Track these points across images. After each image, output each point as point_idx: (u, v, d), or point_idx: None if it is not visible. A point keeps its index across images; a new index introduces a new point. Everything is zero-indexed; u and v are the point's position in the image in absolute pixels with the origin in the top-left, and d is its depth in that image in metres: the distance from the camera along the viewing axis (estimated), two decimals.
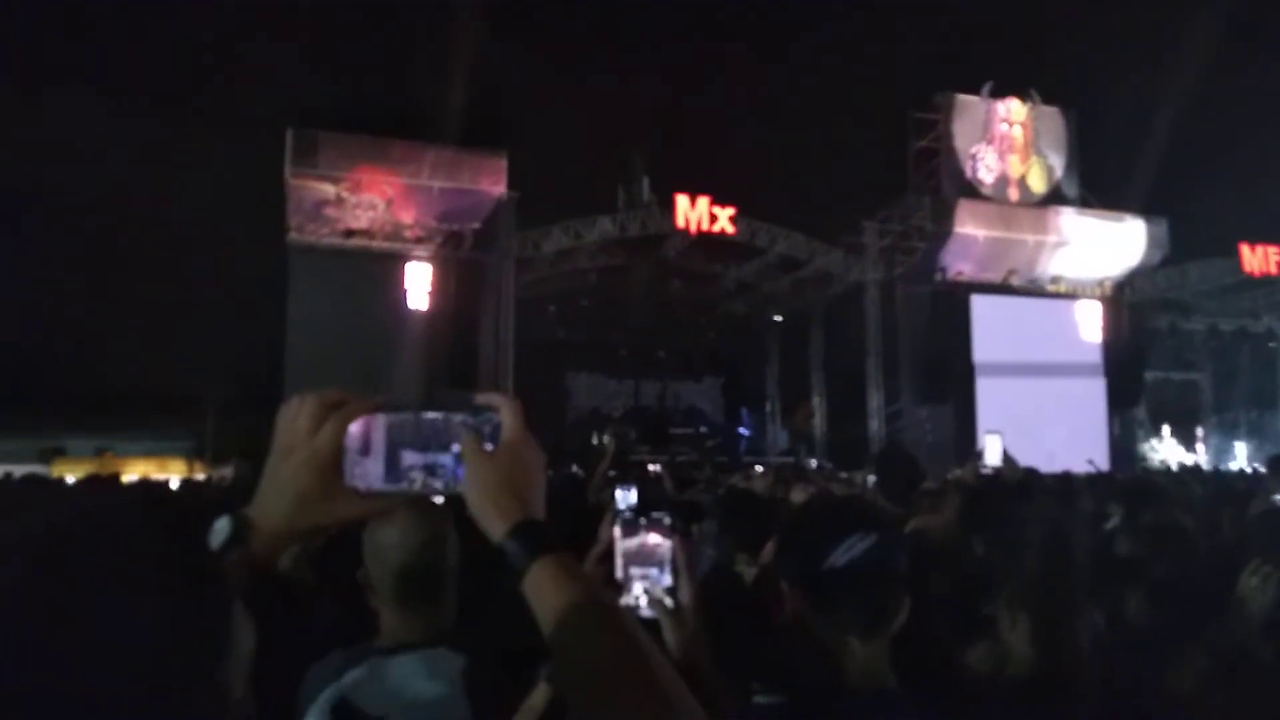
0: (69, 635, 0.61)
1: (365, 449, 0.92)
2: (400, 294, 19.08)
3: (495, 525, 0.89)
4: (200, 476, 16.67)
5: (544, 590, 0.85)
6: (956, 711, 1.45)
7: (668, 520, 1.28)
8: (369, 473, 0.92)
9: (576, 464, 18.98)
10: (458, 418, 0.94)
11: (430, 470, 0.94)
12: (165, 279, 21.43)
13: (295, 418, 0.91)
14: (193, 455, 20.12)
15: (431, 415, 0.93)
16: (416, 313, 19.07)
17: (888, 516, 2.09)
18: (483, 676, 1.58)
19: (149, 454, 19.79)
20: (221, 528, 0.87)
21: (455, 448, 0.93)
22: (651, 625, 1.23)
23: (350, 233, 19.06)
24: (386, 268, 19.13)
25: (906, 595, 1.46)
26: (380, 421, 0.93)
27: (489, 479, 0.91)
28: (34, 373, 19.78)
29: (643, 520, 1.27)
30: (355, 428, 0.91)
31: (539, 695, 1.46)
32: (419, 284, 19.20)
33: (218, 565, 0.78)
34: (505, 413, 0.94)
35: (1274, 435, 27.00)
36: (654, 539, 1.26)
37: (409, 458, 0.94)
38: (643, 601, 1.25)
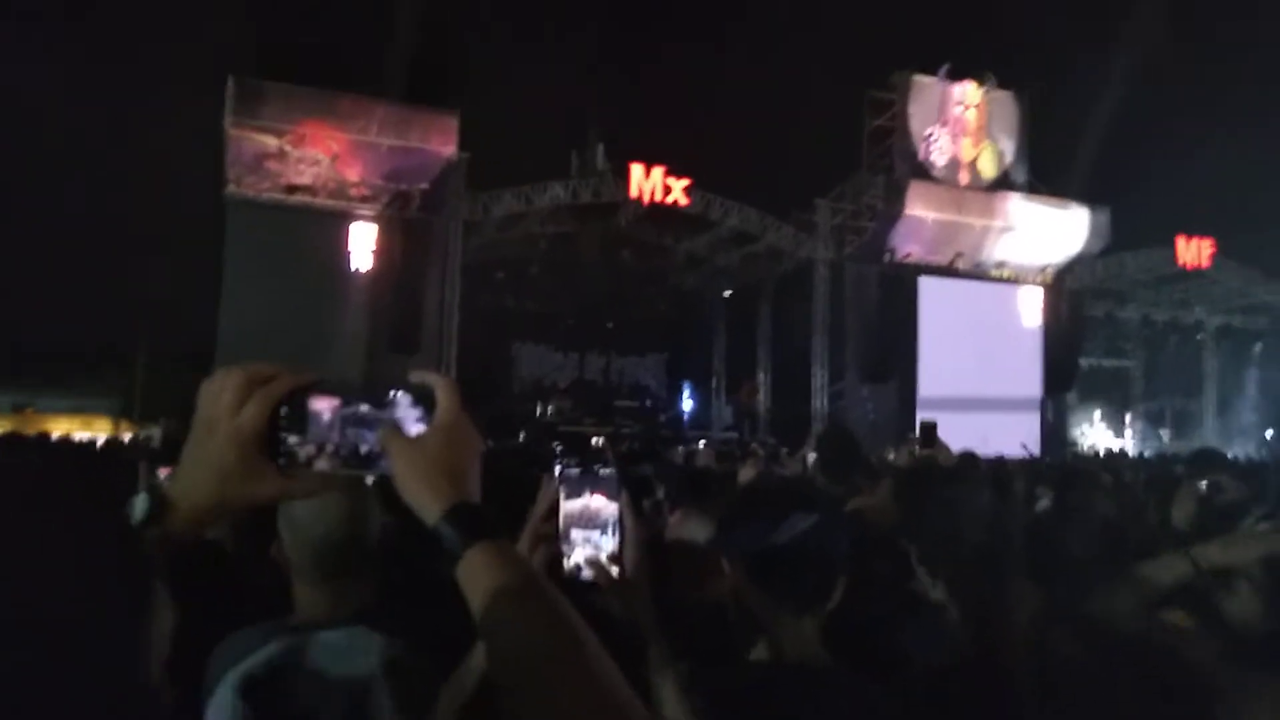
0: None
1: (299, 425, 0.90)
2: (343, 254, 18.63)
3: (429, 508, 0.87)
4: (127, 436, 16.17)
5: (478, 575, 0.84)
6: (886, 687, 1.48)
7: (614, 480, 1.22)
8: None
9: (522, 434, 18.93)
10: (394, 398, 0.93)
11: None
12: (93, 230, 20.64)
13: (220, 392, 0.89)
14: (119, 414, 19.49)
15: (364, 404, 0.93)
16: (359, 274, 18.67)
17: (829, 498, 2.11)
18: (404, 657, 1.52)
19: (73, 411, 19.13)
20: (140, 504, 0.86)
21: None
22: (593, 588, 1.21)
23: (292, 188, 18.52)
24: (329, 226, 18.64)
25: (842, 575, 1.51)
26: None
27: (421, 461, 0.89)
28: None
29: (587, 481, 1.22)
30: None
31: (469, 675, 1.42)
32: (363, 244, 18.76)
33: (137, 536, 0.74)
34: (441, 392, 0.93)
35: (1196, 423, 28.06)
36: (598, 501, 1.22)
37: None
38: (584, 564, 1.20)
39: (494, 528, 0.87)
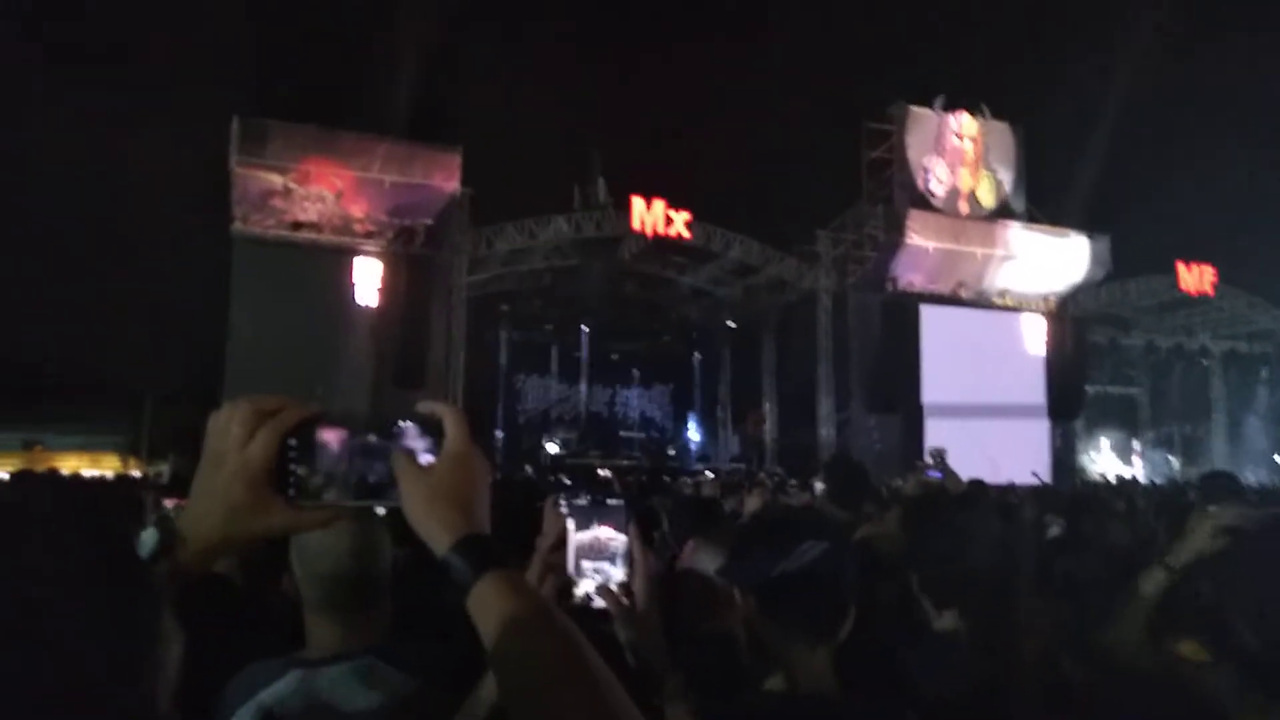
0: None
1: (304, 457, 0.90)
2: (348, 289, 18.71)
3: (438, 539, 0.87)
4: (136, 473, 16.15)
5: (489, 606, 0.83)
6: (897, 716, 1.46)
7: (622, 511, 1.22)
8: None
9: (528, 467, 18.88)
10: (401, 429, 0.92)
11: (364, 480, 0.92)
12: (101, 266, 20.75)
13: (227, 426, 0.89)
14: (128, 450, 19.47)
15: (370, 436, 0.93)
16: (365, 309, 18.72)
17: (837, 526, 2.10)
18: (416, 691, 1.51)
19: (81, 449, 19.12)
20: (148, 538, 0.86)
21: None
22: (604, 616, 1.21)
23: (298, 225, 18.64)
24: (334, 262, 18.74)
25: (853, 603, 1.51)
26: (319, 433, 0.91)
27: (430, 491, 0.89)
28: None
29: (596, 512, 1.22)
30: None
31: (480, 705, 1.40)
32: (368, 280, 18.84)
33: (146, 569, 0.74)
34: (449, 422, 0.92)
35: (1205, 449, 27.90)
36: (607, 532, 1.22)
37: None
38: (594, 594, 1.21)
39: (504, 558, 0.86)
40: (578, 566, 1.20)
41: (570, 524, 1.21)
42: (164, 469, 16.06)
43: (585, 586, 1.19)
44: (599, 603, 1.19)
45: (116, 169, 20.03)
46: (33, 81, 19.50)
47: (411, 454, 0.91)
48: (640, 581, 1.23)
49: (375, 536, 1.66)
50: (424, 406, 0.95)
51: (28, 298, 19.92)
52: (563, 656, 0.80)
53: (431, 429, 0.94)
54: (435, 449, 0.92)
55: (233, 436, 0.88)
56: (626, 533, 1.21)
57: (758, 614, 1.48)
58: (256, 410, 0.90)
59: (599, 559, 1.20)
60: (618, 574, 1.20)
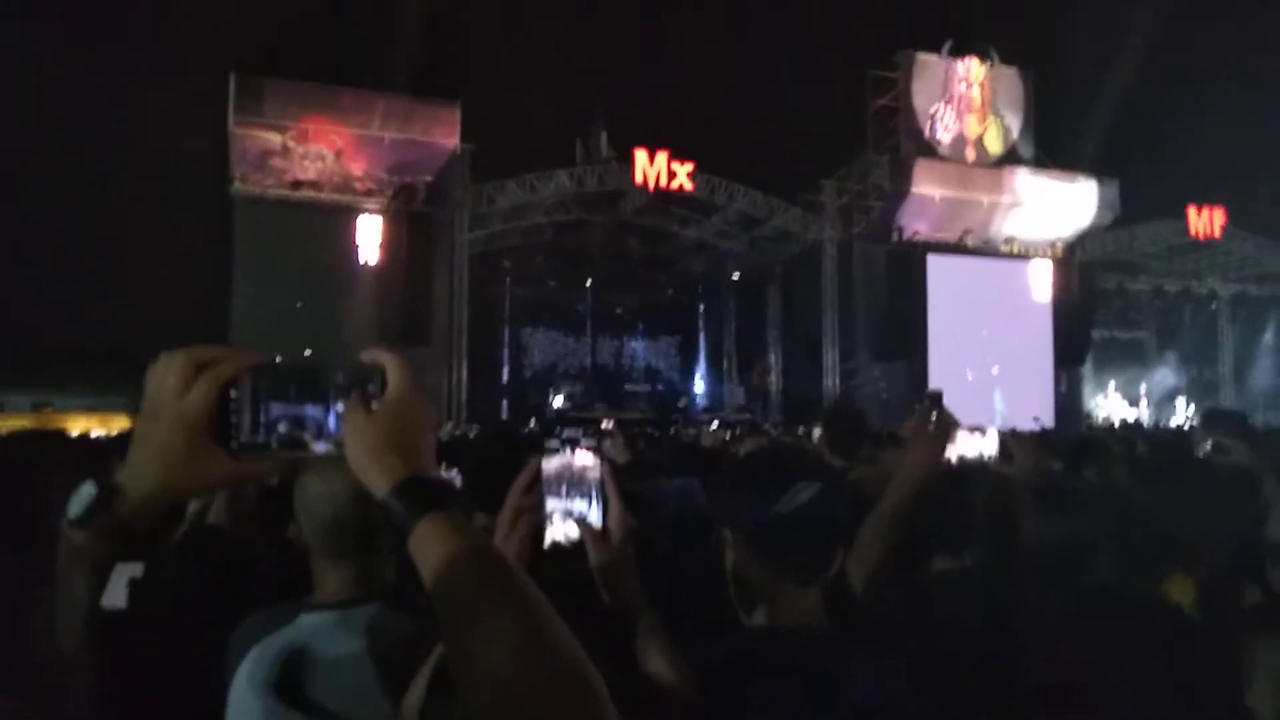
0: None
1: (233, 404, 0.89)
2: (350, 248, 18.64)
3: (378, 483, 0.87)
4: (104, 432, 16.27)
5: (428, 547, 0.81)
6: (885, 651, 1.46)
7: (592, 443, 1.23)
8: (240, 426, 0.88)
9: (534, 421, 18.99)
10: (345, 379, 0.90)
11: (297, 422, 0.90)
12: (106, 229, 20.71)
13: (164, 377, 0.88)
14: (135, 410, 19.58)
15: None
16: (367, 267, 18.67)
17: (830, 467, 2.10)
18: (423, 634, 1.53)
19: (91, 409, 19.26)
20: (86, 493, 0.85)
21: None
22: (577, 555, 1.21)
23: (298, 184, 18.52)
24: (336, 221, 18.64)
25: (844, 544, 1.51)
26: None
27: (370, 437, 0.88)
28: None
29: (568, 446, 1.22)
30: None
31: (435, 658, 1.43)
32: (370, 238, 18.77)
33: (44, 516, 0.75)
34: (391, 369, 0.92)
35: (1212, 392, 27.86)
36: (579, 460, 1.21)
37: (276, 409, 0.89)
38: (566, 528, 1.20)
39: (443, 501, 0.85)
40: (548, 498, 1.19)
41: (542, 461, 1.21)
42: None
43: (559, 525, 1.20)
44: (573, 536, 1.19)
45: (118, 131, 19.89)
46: (32, 44, 19.27)
47: (359, 402, 0.90)
48: (613, 513, 1.23)
49: None
50: (367, 355, 0.94)
51: (35, 263, 19.93)
52: (498, 590, 0.78)
53: (375, 377, 0.93)
54: (380, 396, 0.91)
55: (168, 388, 0.88)
56: (597, 460, 1.21)
57: (747, 554, 1.47)
58: (193, 361, 0.89)
59: (571, 490, 1.20)
60: (592, 513, 1.20)
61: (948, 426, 2.12)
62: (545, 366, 27.58)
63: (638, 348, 29.19)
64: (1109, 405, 27.43)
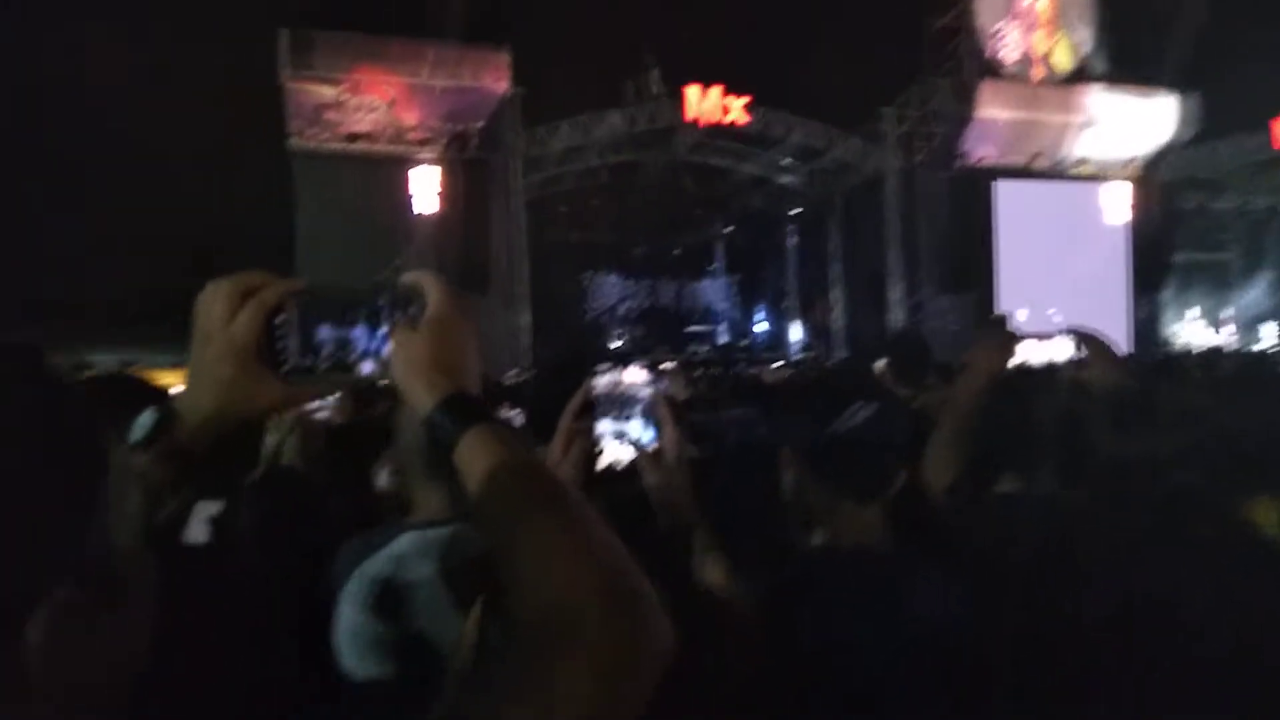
0: None
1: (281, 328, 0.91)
2: (407, 199, 18.80)
3: (423, 400, 0.87)
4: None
5: (472, 459, 0.82)
6: (945, 571, 1.46)
7: (648, 369, 1.21)
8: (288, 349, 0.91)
9: (595, 365, 19.15)
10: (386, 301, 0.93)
11: (343, 345, 0.90)
12: (175, 189, 21.26)
13: (211, 305, 0.90)
14: None
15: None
16: (424, 218, 18.83)
17: (890, 390, 2.06)
18: (466, 551, 1.55)
19: (174, 366, 20.00)
20: (145, 420, 0.89)
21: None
22: (631, 477, 1.20)
23: (353, 136, 18.70)
24: (391, 171, 18.80)
25: (903, 464, 1.52)
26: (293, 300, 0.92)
27: (414, 355, 0.89)
28: (54, 287, 19.89)
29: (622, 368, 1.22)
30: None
31: None
32: (425, 188, 18.88)
33: (91, 427, 0.73)
34: (430, 289, 0.93)
35: None
36: (631, 378, 1.19)
37: (323, 332, 0.90)
38: (619, 450, 1.19)
39: (487, 414, 0.86)
40: (600, 419, 1.18)
41: (595, 385, 1.18)
42: None
43: (613, 446, 1.18)
44: (627, 458, 1.17)
45: (173, 88, 20.23)
46: (82, 9, 19.62)
47: (402, 323, 0.92)
48: (668, 431, 1.22)
49: None
50: (406, 278, 0.95)
51: (113, 227, 20.58)
52: (543, 501, 0.78)
53: (416, 298, 0.94)
54: (420, 317, 0.93)
55: (215, 315, 0.90)
56: (652, 380, 1.20)
57: (806, 472, 1.48)
58: (239, 288, 0.91)
59: (623, 417, 1.18)
60: (645, 434, 1.18)
61: (1013, 335, 2.11)
62: (605, 310, 27.66)
63: (697, 289, 29.04)
64: (1190, 331, 26.42)
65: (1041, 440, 2.06)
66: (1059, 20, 23.01)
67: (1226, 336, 25.99)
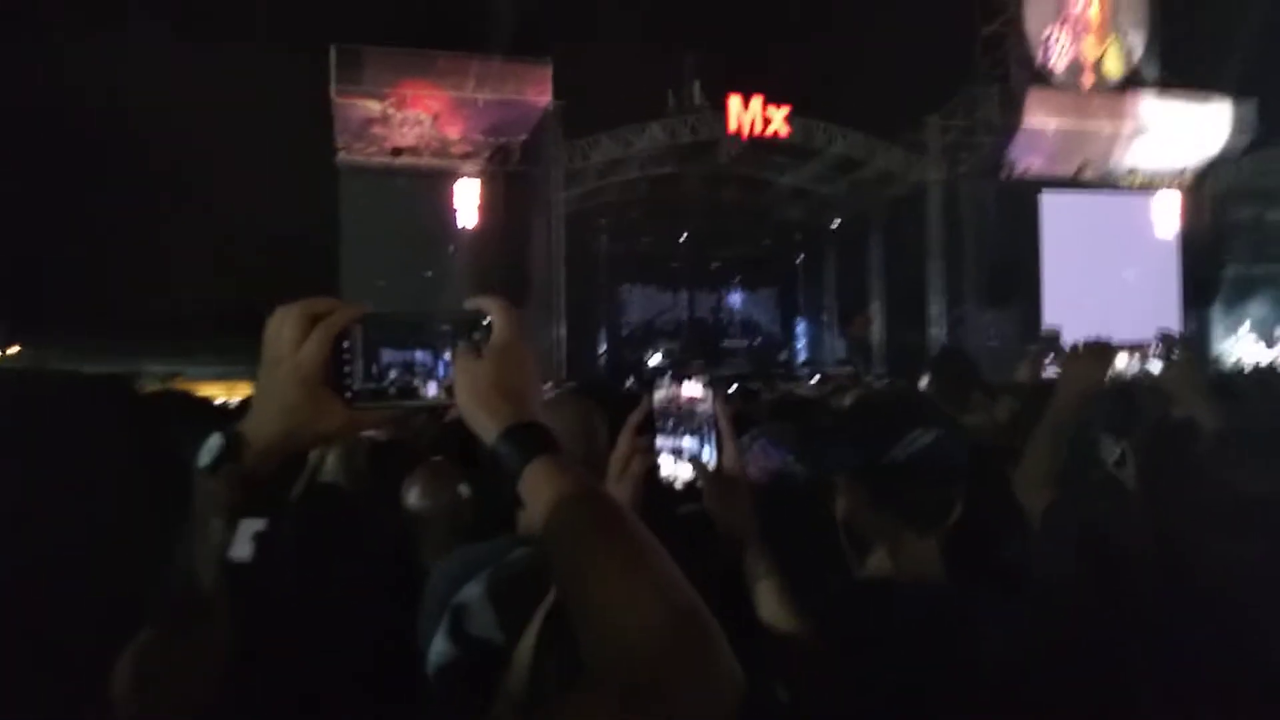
0: None
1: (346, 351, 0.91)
2: (450, 212, 19.03)
3: (487, 428, 0.88)
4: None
5: (537, 490, 0.82)
6: (1003, 604, 1.41)
7: (705, 378, 1.19)
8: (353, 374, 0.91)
9: (631, 379, 19.14)
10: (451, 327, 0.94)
11: (408, 369, 0.98)
12: (216, 202, 21.74)
13: (280, 329, 0.91)
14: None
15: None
16: (467, 230, 19.04)
17: (946, 414, 2.02)
18: (513, 569, 1.55)
19: (219, 378, 20.39)
20: (213, 444, 0.89)
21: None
22: (688, 496, 1.18)
23: (398, 150, 18.98)
24: (435, 185, 19.07)
25: (963, 493, 1.47)
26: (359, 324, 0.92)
27: (479, 383, 0.89)
28: (103, 299, 20.43)
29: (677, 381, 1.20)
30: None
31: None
32: (468, 201, 19.11)
33: (171, 455, 0.77)
34: (497, 316, 0.93)
35: None
36: (688, 391, 1.18)
37: (387, 356, 0.98)
38: (677, 469, 1.18)
39: (552, 445, 0.86)
40: (658, 436, 1.17)
41: (652, 399, 1.18)
42: None
43: (671, 465, 1.16)
44: (686, 476, 1.16)
45: (222, 103, 20.69)
46: (136, 25, 20.19)
47: (467, 349, 0.92)
48: (729, 447, 1.20)
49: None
50: (471, 303, 0.95)
51: (161, 240, 21.09)
52: (608, 534, 0.78)
53: (481, 324, 0.94)
54: (485, 344, 0.93)
55: (285, 339, 0.90)
56: (709, 393, 1.18)
57: (863, 500, 1.44)
58: (307, 313, 0.91)
59: (681, 432, 1.17)
60: (704, 451, 1.16)
61: (1107, 345, 2.04)
62: (642, 323, 27.66)
63: (735, 301, 28.92)
64: (1241, 347, 25.68)
65: (1143, 457, 2.00)
66: (1110, 25, 22.58)
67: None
